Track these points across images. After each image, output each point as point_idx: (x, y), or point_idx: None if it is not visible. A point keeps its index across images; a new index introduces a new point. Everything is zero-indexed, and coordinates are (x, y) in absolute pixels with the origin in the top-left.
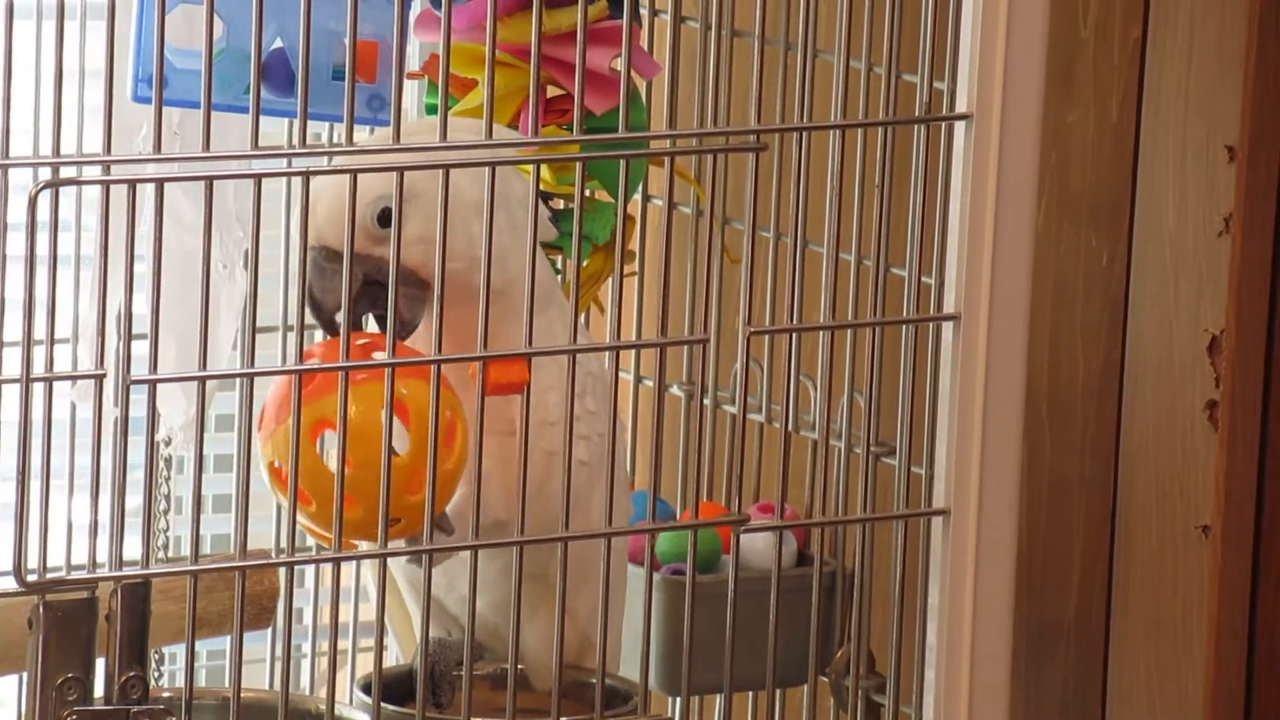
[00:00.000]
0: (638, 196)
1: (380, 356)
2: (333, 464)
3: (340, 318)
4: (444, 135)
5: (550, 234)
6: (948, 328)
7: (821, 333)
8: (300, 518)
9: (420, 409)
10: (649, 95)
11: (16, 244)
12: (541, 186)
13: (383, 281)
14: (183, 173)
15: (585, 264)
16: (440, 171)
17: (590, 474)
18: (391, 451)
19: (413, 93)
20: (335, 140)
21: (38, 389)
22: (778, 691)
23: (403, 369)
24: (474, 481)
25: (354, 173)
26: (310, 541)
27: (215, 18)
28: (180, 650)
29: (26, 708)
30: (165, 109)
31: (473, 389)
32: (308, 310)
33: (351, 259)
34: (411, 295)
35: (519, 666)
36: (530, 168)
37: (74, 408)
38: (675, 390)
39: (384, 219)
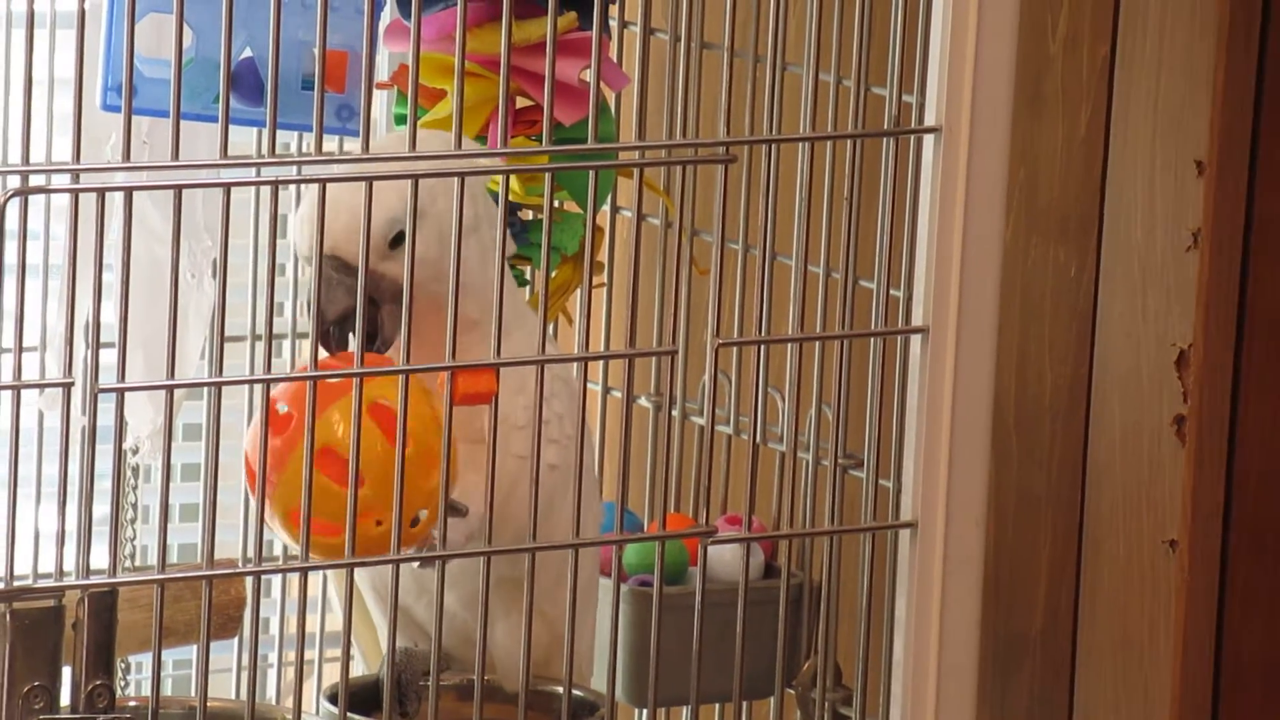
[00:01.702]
0: (606, 208)
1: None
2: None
3: (334, 329)
4: (413, 145)
5: (510, 248)
6: (915, 340)
7: (790, 345)
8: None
9: (416, 421)
10: (618, 107)
11: None
12: (510, 197)
13: (375, 299)
14: (151, 181)
15: (554, 275)
16: (446, 186)
17: (560, 477)
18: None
19: (382, 103)
20: (305, 150)
21: (5, 397)
22: (744, 703)
23: (385, 385)
24: (441, 487)
25: (368, 180)
26: (277, 550)
27: (185, 27)
28: (146, 659)
29: None
30: (134, 118)
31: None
32: (308, 316)
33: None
34: (396, 314)
35: (486, 678)
36: (499, 178)
37: (41, 416)
38: (643, 401)
39: (396, 240)
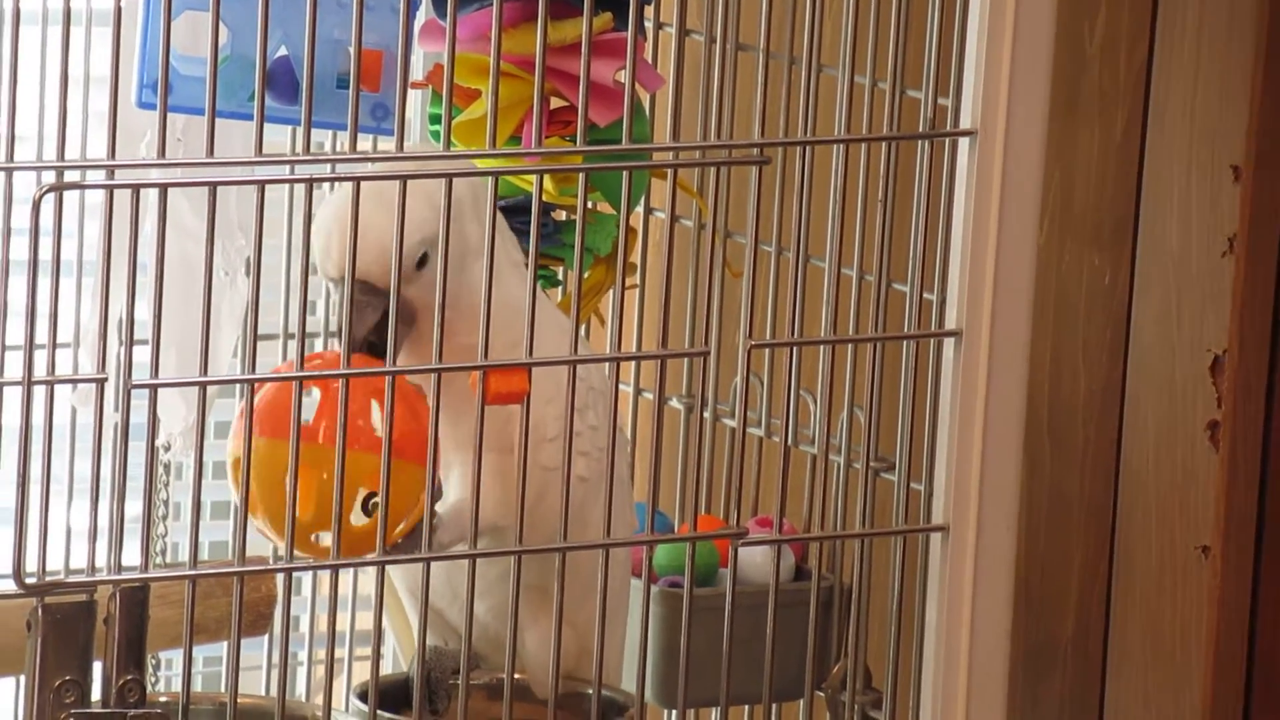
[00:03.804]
0: (640, 209)
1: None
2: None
3: (365, 345)
4: (447, 144)
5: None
6: (949, 344)
7: (822, 347)
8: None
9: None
10: (652, 108)
11: (20, 248)
12: (544, 198)
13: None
14: (186, 179)
15: (586, 276)
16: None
17: (590, 490)
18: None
19: (416, 102)
20: (339, 148)
21: (39, 392)
22: (774, 706)
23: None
24: (470, 490)
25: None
26: None
27: (220, 25)
28: (177, 656)
29: (24, 710)
30: (169, 115)
31: (472, 400)
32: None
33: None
34: (403, 334)
35: (517, 676)
36: (533, 178)
37: (74, 412)
38: (675, 403)
39: (422, 263)
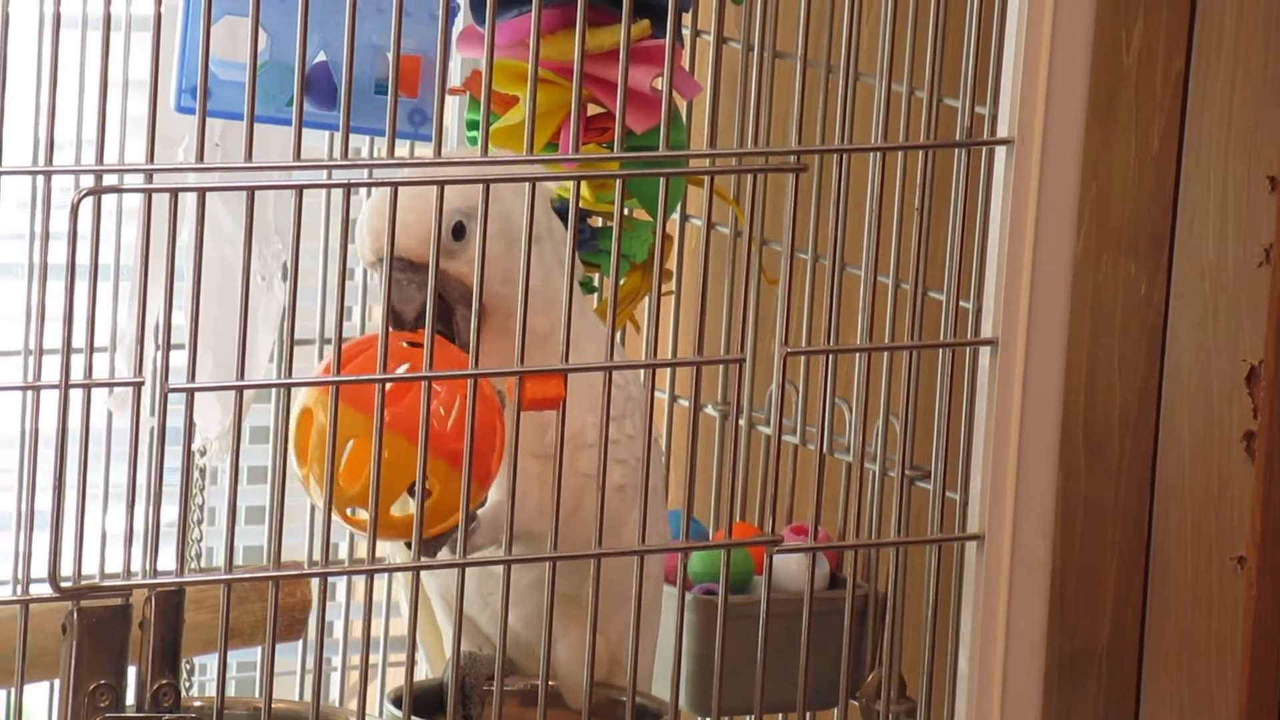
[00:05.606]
0: (676, 216)
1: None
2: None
3: (418, 324)
4: (485, 150)
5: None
6: (985, 352)
7: (858, 355)
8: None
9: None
10: (689, 115)
11: (58, 252)
12: (581, 204)
13: (446, 298)
14: (224, 183)
15: (622, 282)
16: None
17: (626, 498)
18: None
19: (454, 108)
20: (376, 154)
21: (75, 396)
22: (808, 714)
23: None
24: (507, 495)
25: (439, 184)
26: (343, 554)
27: (260, 30)
28: (212, 660)
29: (59, 714)
30: (208, 120)
31: (511, 406)
32: (390, 319)
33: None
34: (469, 317)
35: (550, 683)
36: (570, 184)
37: (111, 416)
38: (710, 410)
39: (457, 232)
